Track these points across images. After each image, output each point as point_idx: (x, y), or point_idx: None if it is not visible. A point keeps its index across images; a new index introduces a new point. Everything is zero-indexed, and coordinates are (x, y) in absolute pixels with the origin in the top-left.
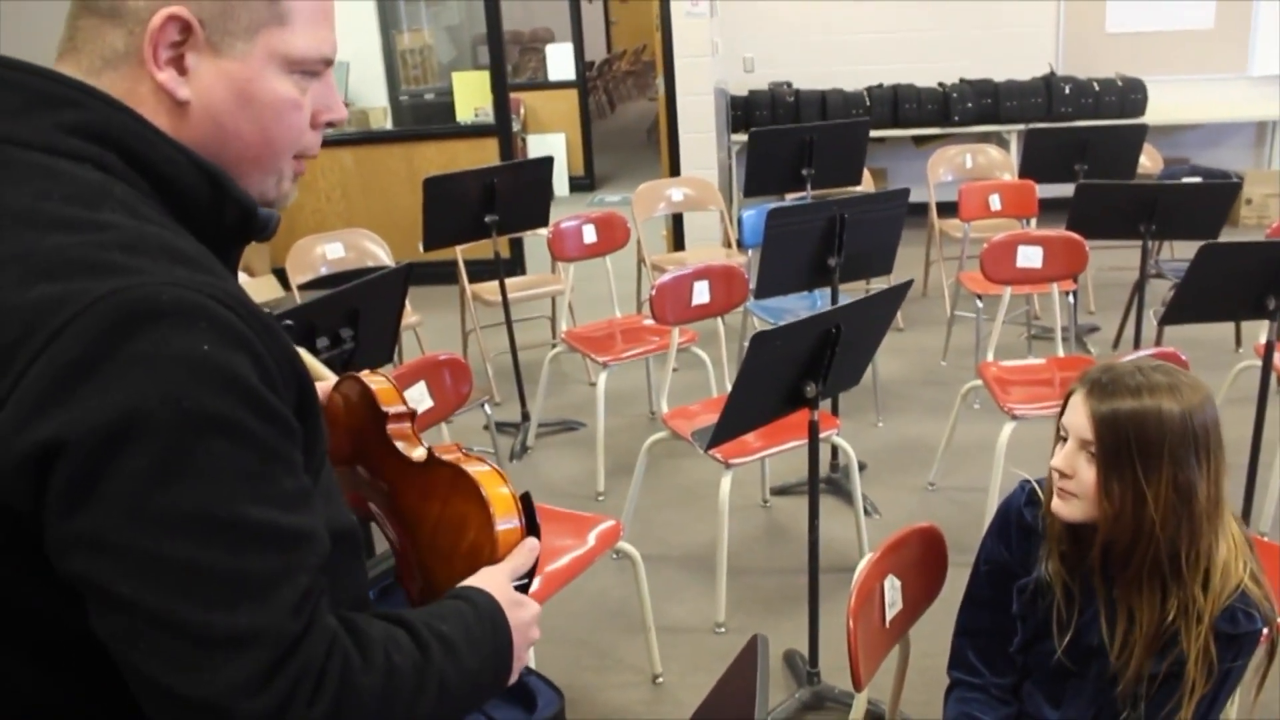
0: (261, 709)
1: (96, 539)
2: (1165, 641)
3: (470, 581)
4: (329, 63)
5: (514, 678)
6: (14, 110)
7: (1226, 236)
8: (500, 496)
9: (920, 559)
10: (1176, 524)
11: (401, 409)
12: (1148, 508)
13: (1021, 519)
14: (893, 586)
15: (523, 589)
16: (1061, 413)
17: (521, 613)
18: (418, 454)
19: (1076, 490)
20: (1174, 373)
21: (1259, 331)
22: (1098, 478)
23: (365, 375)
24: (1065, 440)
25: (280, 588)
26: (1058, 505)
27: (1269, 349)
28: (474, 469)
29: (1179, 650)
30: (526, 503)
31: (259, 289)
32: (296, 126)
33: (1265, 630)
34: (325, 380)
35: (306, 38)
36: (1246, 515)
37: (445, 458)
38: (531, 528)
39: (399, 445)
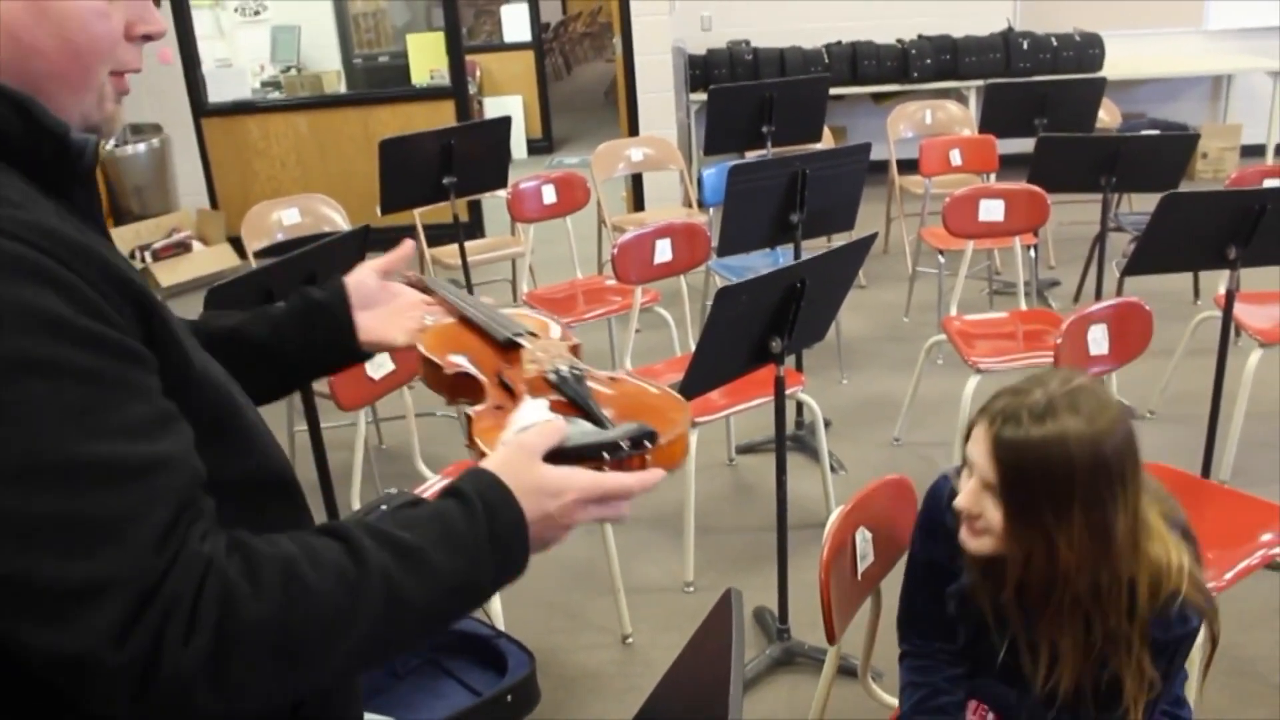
0: (130, 656)
1: None
2: (1097, 662)
3: (485, 463)
4: None
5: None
6: None
7: (1183, 190)
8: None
9: (891, 511)
10: (1094, 563)
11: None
12: (1060, 551)
13: (944, 522)
14: (864, 538)
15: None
16: (965, 440)
17: (547, 503)
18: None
19: (985, 529)
20: (1078, 396)
21: (1217, 283)
22: (1005, 521)
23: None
24: (971, 473)
25: (137, 523)
26: (966, 538)
27: (1229, 299)
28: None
29: (1113, 668)
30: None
31: (214, 258)
32: (105, 37)
33: (1202, 626)
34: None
35: None
36: (1207, 466)
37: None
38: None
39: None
